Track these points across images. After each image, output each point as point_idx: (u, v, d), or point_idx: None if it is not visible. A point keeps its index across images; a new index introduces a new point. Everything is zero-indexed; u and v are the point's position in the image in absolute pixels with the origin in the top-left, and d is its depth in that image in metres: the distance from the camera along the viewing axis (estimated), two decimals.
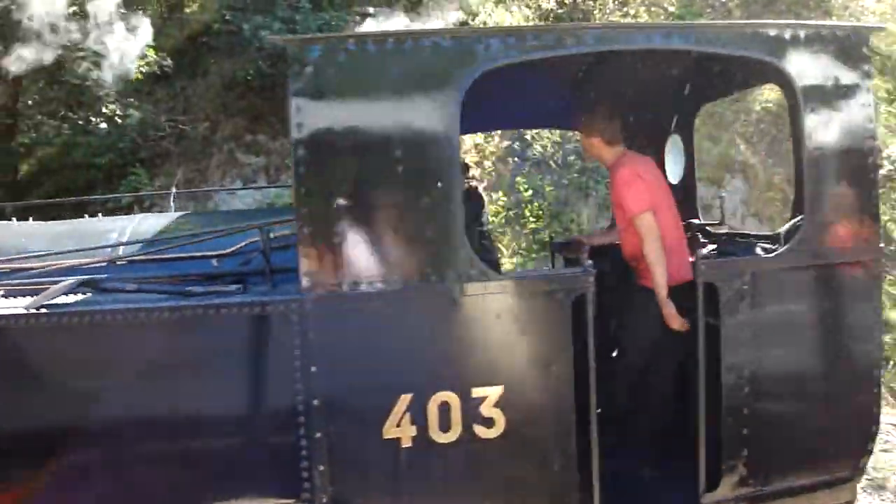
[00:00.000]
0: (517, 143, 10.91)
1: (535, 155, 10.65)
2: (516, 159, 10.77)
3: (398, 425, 3.11)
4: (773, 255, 3.44)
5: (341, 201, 3.04)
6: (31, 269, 3.31)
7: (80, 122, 11.32)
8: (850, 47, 3.42)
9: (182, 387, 3.03)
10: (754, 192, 11.87)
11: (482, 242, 5.55)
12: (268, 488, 3.13)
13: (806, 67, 3.38)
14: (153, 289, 3.19)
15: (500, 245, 9.55)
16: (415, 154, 3.08)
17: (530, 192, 10.04)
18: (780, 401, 3.45)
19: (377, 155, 3.06)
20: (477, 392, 3.16)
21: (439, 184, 3.08)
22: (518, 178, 10.34)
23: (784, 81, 3.45)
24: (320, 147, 3.03)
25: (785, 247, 3.44)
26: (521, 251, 9.69)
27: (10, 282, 3.21)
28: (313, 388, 3.06)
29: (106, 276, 3.27)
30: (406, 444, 3.12)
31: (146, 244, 3.54)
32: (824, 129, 3.41)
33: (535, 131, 10.61)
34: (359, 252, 3.07)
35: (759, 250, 3.61)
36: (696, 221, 4.39)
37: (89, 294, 3.13)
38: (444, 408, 3.14)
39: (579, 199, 10.50)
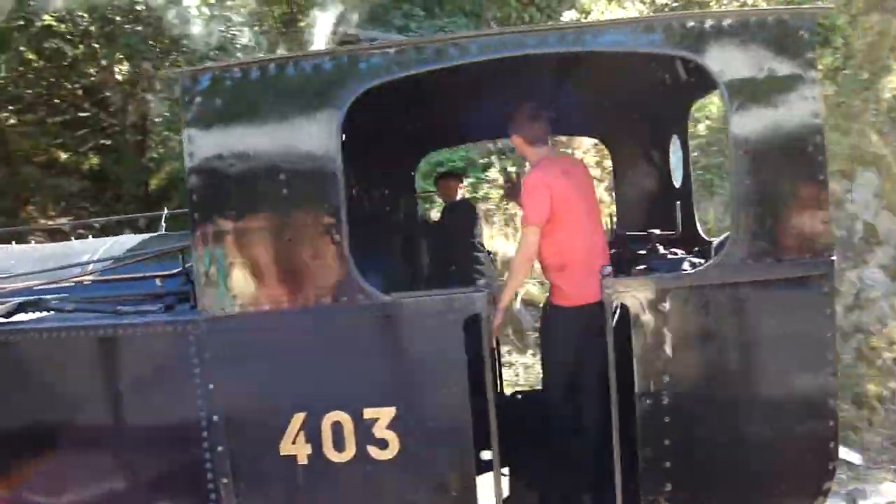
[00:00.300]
0: None
1: None
2: None
3: (294, 443, 3.19)
4: (692, 271, 3.12)
5: (231, 226, 3.16)
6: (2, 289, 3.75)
7: None
8: (786, 34, 3.00)
9: (94, 401, 3.30)
10: (887, 184, 10.92)
11: (474, 254, 5.46)
12: (179, 498, 3.33)
13: (732, 60, 3.01)
14: (89, 308, 3.49)
15: None
16: (299, 176, 3.13)
17: None
18: (710, 433, 3.11)
19: (264, 180, 3.15)
20: (369, 413, 3.15)
21: (323, 204, 3.11)
22: None
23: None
24: (211, 174, 3.16)
25: (709, 262, 3.10)
26: None
27: None
28: (212, 405, 3.21)
29: (54, 296, 3.62)
30: (302, 461, 3.19)
31: (89, 265, 3.88)
32: (757, 128, 3.02)
33: None
34: (248, 274, 3.18)
35: (686, 265, 3.28)
36: (657, 231, 4.04)
37: (32, 314, 3.49)
38: (338, 427, 3.17)
39: (704, 196, 9.97)
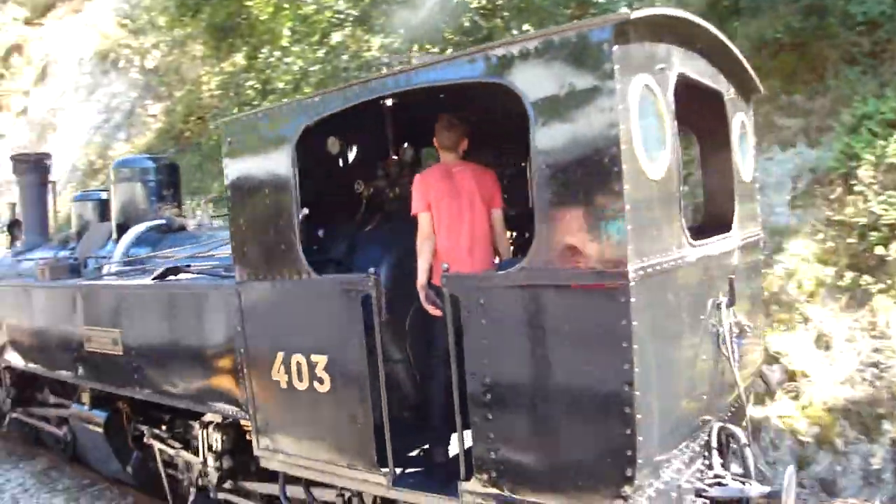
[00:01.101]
0: None
1: None
2: None
3: (278, 372, 4.64)
4: (502, 272, 3.56)
5: (245, 223, 4.72)
6: (180, 256, 6.00)
7: None
8: (585, 47, 3.18)
9: (185, 332, 5.36)
10: None
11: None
12: (227, 399, 5.12)
13: (536, 80, 3.31)
14: (206, 273, 5.46)
15: None
16: (273, 190, 4.51)
17: None
18: (520, 416, 3.50)
19: (258, 193, 4.62)
20: (314, 358, 4.42)
21: (285, 209, 4.43)
22: None
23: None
24: (236, 189, 4.76)
25: (516, 266, 3.50)
26: None
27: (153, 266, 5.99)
28: (242, 341, 4.86)
29: (197, 263, 5.70)
30: (283, 385, 4.63)
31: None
32: (557, 142, 3.28)
33: None
34: (252, 256, 4.71)
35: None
36: None
37: (171, 276, 5.63)
38: (299, 366, 4.51)
39: None
